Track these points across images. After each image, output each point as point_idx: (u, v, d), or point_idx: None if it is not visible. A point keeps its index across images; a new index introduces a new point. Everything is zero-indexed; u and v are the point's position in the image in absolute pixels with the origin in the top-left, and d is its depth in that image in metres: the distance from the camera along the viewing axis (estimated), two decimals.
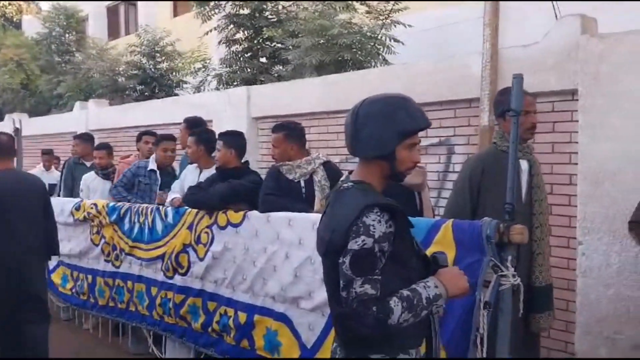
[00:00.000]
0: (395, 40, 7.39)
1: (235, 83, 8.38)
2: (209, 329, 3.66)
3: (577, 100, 3.74)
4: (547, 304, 2.94)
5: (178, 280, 3.92)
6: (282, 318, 3.21)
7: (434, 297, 1.71)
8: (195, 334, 3.78)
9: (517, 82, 2.38)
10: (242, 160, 3.93)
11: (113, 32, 17.13)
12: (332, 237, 1.77)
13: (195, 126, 4.66)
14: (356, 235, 1.69)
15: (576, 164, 3.75)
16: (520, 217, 2.74)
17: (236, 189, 3.60)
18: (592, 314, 3.66)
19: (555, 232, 3.88)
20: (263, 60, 8.60)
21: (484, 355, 2.40)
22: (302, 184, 3.55)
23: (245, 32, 8.59)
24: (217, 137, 3.99)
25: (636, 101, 3.46)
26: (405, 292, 1.68)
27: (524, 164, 2.94)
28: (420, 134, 5.06)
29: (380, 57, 7.53)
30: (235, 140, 3.87)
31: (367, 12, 7.55)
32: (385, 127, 1.80)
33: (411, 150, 1.84)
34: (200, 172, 4.23)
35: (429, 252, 2.48)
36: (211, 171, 4.06)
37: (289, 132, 3.61)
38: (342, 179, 1.94)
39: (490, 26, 4.03)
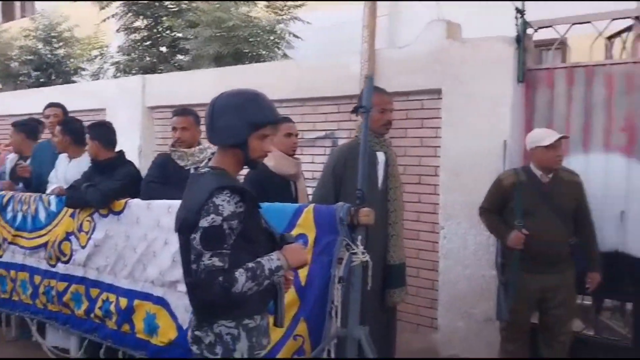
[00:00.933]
0: (295, 36, 7.63)
1: (133, 71, 8.30)
2: (92, 315, 3.72)
3: (441, 99, 4.12)
4: (401, 280, 3.27)
5: (61, 268, 3.94)
6: (161, 302, 3.34)
7: (275, 269, 1.93)
8: (79, 320, 3.82)
9: (368, 82, 2.66)
10: (117, 150, 3.94)
11: (7, 14, 16.17)
12: (186, 215, 1.96)
13: (26, 129, 4.86)
14: (207, 214, 1.87)
15: (440, 157, 4.14)
16: (377, 203, 3.06)
17: (106, 194, 3.62)
18: (452, 291, 4.07)
19: (422, 219, 4.28)
20: (163, 49, 8.57)
21: (339, 325, 2.67)
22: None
23: (145, 20, 8.52)
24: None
25: (491, 101, 3.87)
26: (250, 264, 1.89)
27: (380, 156, 3.24)
28: (308, 127, 5.35)
29: (280, 51, 7.75)
30: (98, 131, 3.86)
31: (267, 7, 7.74)
32: (237, 119, 1.99)
33: (263, 140, 2.03)
34: (70, 161, 4.25)
35: (293, 232, 2.73)
36: (81, 160, 4.11)
37: (197, 117, 3.71)
38: (201, 164, 2.12)
39: (368, 28, 4.33)
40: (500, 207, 3.47)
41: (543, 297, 3.35)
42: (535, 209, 3.31)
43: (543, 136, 3.31)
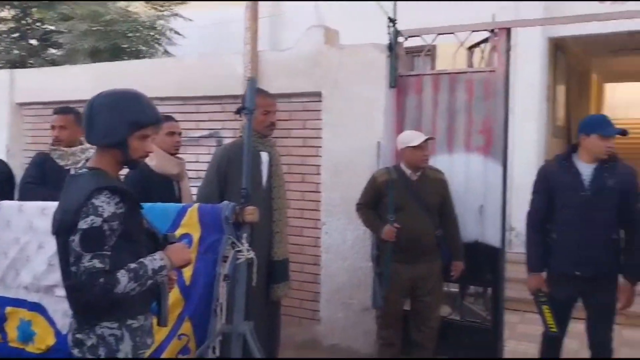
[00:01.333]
0: (176, 33, 7.51)
1: None
2: None
3: (321, 101, 4.31)
4: (284, 275, 3.40)
5: None
6: (36, 308, 3.19)
7: (159, 268, 1.96)
8: None
9: (250, 84, 2.75)
10: None
11: None
12: (63, 217, 1.93)
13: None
14: (86, 215, 1.86)
15: (321, 156, 4.33)
16: (261, 202, 3.16)
17: None
18: (332, 284, 4.28)
19: (305, 215, 4.45)
20: (33, 42, 8.05)
21: (224, 321, 2.74)
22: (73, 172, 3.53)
23: (12, 10, 7.95)
24: None
25: (366, 105, 4.12)
26: (133, 265, 1.91)
27: (264, 156, 3.35)
28: (191, 126, 5.31)
29: (161, 47, 7.59)
30: None
31: (146, 2, 7.55)
32: (116, 118, 1.98)
33: (144, 141, 2.05)
34: None
35: (177, 233, 2.76)
36: None
37: (78, 116, 3.57)
38: (78, 165, 2.09)
39: (250, 30, 4.42)
40: (375, 203, 3.72)
41: (414, 285, 3.64)
42: (405, 204, 3.59)
43: (412, 137, 3.60)
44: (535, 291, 3.34)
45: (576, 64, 10.21)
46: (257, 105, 2.94)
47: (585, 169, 3.22)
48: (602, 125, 3.20)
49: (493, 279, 3.82)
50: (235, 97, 4.80)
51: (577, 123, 10.30)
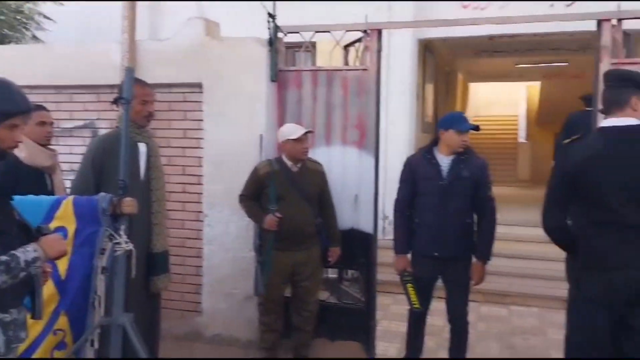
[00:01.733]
0: (45, 17, 7.08)
1: None
2: None
3: (202, 92, 4.32)
4: (164, 267, 3.40)
5: None
6: None
7: (32, 260, 1.92)
8: None
9: (128, 73, 2.73)
10: None
11: None
12: None
13: None
14: None
15: (203, 148, 4.35)
16: (140, 193, 3.14)
17: None
18: (215, 275, 4.33)
19: (187, 208, 4.44)
20: None
21: (102, 314, 2.71)
22: None
23: None
24: None
25: (248, 98, 4.20)
26: (4, 257, 1.85)
27: (142, 147, 3.32)
28: (65, 116, 5.06)
29: (29, 32, 7.11)
30: None
31: None
32: None
33: (12, 131, 1.98)
34: None
35: (51, 226, 2.67)
36: None
37: None
38: None
39: (128, 19, 4.31)
40: (257, 194, 3.82)
41: (294, 272, 3.80)
42: (286, 194, 3.73)
43: (292, 131, 3.75)
44: (401, 271, 3.65)
45: (443, 64, 11.00)
46: (134, 95, 2.92)
47: (444, 160, 3.59)
48: (458, 122, 3.58)
49: (366, 263, 4.08)
50: (111, 86, 4.64)
51: None
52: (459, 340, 3.71)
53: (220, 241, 4.31)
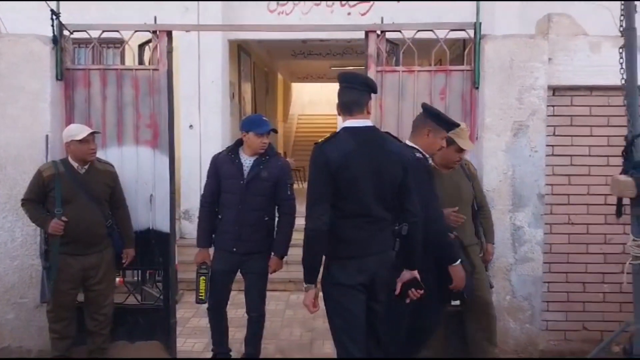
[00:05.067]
0: None
1: None
2: None
3: None
4: None
5: None
6: None
7: None
8: None
9: None
10: None
11: None
12: None
13: None
14: None
15: None
16: None
17: None
18: (2, 284, 4.06)
19: None
20: None
21: None
22: None
23: None
24: None
25: (32, 96, 3.99)
26: None
27: None
28: None
29: None
30: None
31: None
32: None
33: None
34: None
35: None
36: None
37: None
38: None
39: None
40: (41, 197, 3.68)
41: (86, 276, 3.73)
42: (74, 197, 3.65)
43: (77, 131, 3.67)
44: (199, 264, 3.78)
45: (262, 64, 11.33)
46: None
47: (246, 160, 3.78)
48: (256, 124, 3.77)
49: (164, 262, 4.13)
50: None
51: None
52: (254, 329, 3.91)
53: (6, 249, 4.05)
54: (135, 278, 4.59)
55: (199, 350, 4.58)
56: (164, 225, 4.11)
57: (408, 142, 3.24)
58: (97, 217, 3.73)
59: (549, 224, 4.02)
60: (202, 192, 3.98)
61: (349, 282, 2.78)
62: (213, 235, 3.86)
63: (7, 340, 4.08)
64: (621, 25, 2.49)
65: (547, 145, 3.95)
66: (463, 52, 4.13)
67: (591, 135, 4.01)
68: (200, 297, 3.76)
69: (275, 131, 3.86)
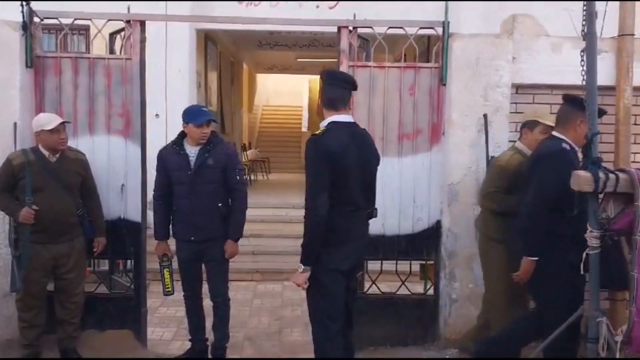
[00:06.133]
0: None
1: None
2: None
3: None
4: None
5: None
6: None
7: None
8: None
9: None
10: None
11: None
12: None
13: None
14: None
15: None
16: None
17: None
18: None
19: None
20: None
21: None
22: None
23: None
24: None
25: (0, 84, 3.92)
26: None
27: None
28: None
29: None
30: None
31: None
32: None
33: None
34: None
35: None
36: None
37: None
38: None
39: None
40: (10, 185, 3.65)
41: (56, 264, 3.72)
42: (44, 185, 3.63)
43: (47, 121, 3.64)
44: (161, 257, 3.82)
45: (228, 54, 11.30)
46: None
47: (191, 151, 3.81)
48: (195, 115, 3.81)
49: (135, 251, 4.15)
50: None
51: (229, 108, 11.56)
52: (221, 314, 3.97)
53: None
54: (104, 268, 4.58)
55: (168, 339, 4.62)
56: (135, 215, 4.13)
57: (555, 134, 3.29)
58: (68, 205, 3.72)
59: None
60: None
61: (340, 268, 2.98)
62: (170, 227, 3.91)
63: None
64: (583, 30, 2.65)
65: (510, 141, 4.13)
66: (427, 48, 4.26)
67: None
68: (167, 290, 3.81)
69: (215, 121, 3.91)
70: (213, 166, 3.77)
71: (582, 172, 2.68)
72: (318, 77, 15.49)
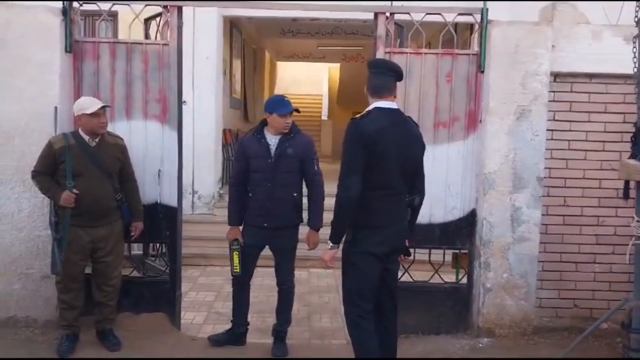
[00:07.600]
0: None
1: None
2: None
3: None
4: None
5: None
6: None
7: None
8: None
9: None
10: None
11: None
12: None
13: None
14: None
15: None
16: None
17: None
18: (7, 255, 4.07)
19: None
20: None
21: None
22: None
23: None
24: None
25: (40, 68, 3.96)
26: None
27: None
28: None
29: None
30: None
31: None
32: None
33: None
34: None
35: None
36: None
37: None
38: None
39: None
40: (52, 169, 3.69)
41: (94, 247, 3.77)
42: (84, 170, 3.67)
43: (88, 104, 3.67)
44: (232, 240, 3.89)
45: (251, 42, 11.28)
46: None
47: (272, 140, 3.85)
48: (279, 106, 3.84)
49: (171, 235, 4.19)
50: None
51: (252, 96, 11.47)
52: (285, 302, 4.05)
53: (12, 220, 4.06)
54: (139, 252, 4.64)
55: (199, 322, 4.66)
56: (171, 200, 4.16)
57: None
58: (107, 190, 3.76)
59: (545, 205, 4.18)
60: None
61: (375, 251, 3.01)
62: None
63: (13, 310, 4.11)
64: (636, 16, 2.61)
65: (547, 130, 4.09)
66: (455, 35, 4.20)
67: (589, 121, 4.16)
68: (235, 270, 3.87)
69: (298, 111, 3.94)
70: (292, 156, 3.83)
71: (631, 161, 2.65)
72: (338, 65, 15.39)
